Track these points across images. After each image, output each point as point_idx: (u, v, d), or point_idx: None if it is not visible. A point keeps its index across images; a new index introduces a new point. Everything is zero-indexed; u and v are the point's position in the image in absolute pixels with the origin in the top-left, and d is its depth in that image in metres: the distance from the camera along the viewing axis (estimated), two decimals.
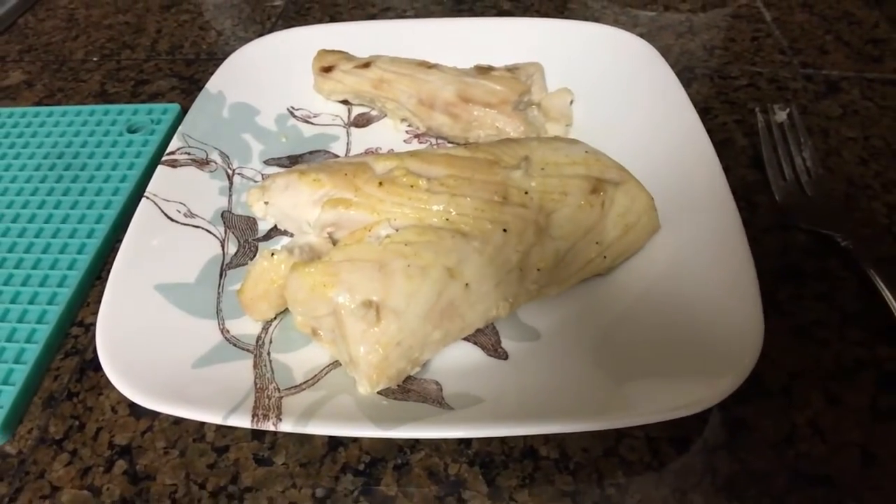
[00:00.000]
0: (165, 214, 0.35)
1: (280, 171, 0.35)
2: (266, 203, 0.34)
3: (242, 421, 0.26)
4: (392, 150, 0.41)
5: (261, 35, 0.53)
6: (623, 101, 0.41)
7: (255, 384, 0.28)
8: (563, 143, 0.35)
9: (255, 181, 0.39)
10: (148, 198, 0.35)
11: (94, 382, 0.32)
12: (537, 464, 0.28)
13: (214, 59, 0.51)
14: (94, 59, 0.52)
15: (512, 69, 0.41)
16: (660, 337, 0.29)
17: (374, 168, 0.33)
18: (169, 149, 0.38)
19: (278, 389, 0.28)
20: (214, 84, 0.42)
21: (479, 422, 0.26)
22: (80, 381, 0.32)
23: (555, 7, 0.54)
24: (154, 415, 0.30)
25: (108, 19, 0.57)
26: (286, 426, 0.26)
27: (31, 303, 0.34)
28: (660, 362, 0.28)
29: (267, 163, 0.41)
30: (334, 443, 0.29)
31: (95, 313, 0.34)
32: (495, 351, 0.31)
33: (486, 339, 0.31)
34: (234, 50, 0.45)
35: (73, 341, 0.34)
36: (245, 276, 0.31)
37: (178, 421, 0.30)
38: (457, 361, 0.30)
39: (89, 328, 0.34)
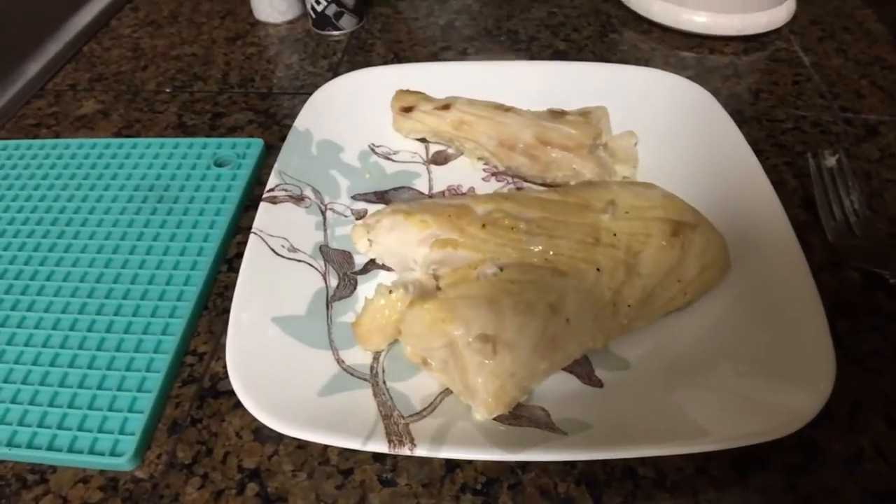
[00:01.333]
0: (272, 249, 0.38)
1: (382, 210, 0.38)
2: (370, 241, 0.37)
3: (380, 446, 0.29)
4: (472, 188, 0.45)
5: (329, 69, 0.56)
6: (683, 144, 0.44)
7: (380, 411, 0.31)
8: (641, 187, 0.39)
9: (346, 216, 0.43)
10: (256, 234, 0.38)
11: (214, 409, 0.35)
12: (637, 482, 0.31)
13: (287, 94, 0.54)
14: (167, 90, 0.54)
15: (583, 113, 0.45)
16: (739, 366, 0.33)
17: (475, 210, 0.36)
18: (268, 185, 0.41)
19: (402, 416, 0.31)
20: (302, 122, 0.45)
21: (593, 445, 0.29)
22: (200, 407, 0.35)
23: (607, 48, 0.58)
24: (278, 439, 0.33)
25: (174, 50, 0.60)
26: (421, 451, 0.29)
27: (145, 333, 0.37)
28: (742, 388, 0.32)
29: (354, 198, 0.44)
30: (451, 465, 0.32)
31: (207, 342, 0.38)
32: (590, 379, 0.34)
33: (581, 368, 0.35)
34: (304, 84, 0.48)
35: (188, 370, 0.36)
36: (362, 310, 0.34)
37: (302, 445, 0.33)
38: (557, 390, 0.33)
39: (202, 357, 0.37)
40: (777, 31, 0.58)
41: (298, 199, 0.42)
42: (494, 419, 0.31)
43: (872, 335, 0.37)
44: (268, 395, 0.31)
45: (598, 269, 0.34)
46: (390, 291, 0.33)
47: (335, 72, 0.56)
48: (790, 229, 0.37)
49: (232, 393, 0.34)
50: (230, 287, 0.40)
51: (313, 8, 0.59)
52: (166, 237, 0.42)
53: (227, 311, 0.38)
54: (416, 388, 0.33)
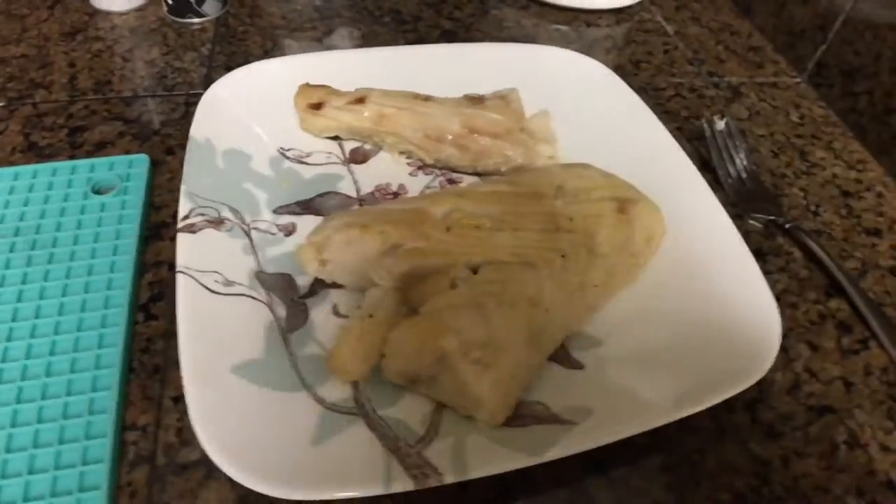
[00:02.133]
0: (206, 288, 0.33)
1: (325, 226, 0.35)
2: (323, 261, 0.34)
3: (405, 484, 0.27)
4: (402, 185, 0.42)
5: (201, 64, 0.49)
6: (593, 120, 0.46)
7: (385, 446, 0.29)
8: (579, 168, 0.40)
9: (272, 233, 0.38)
10: (184, 272, 0.33)
11: (181, 488, 0.29)
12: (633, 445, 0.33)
13: (157, 96, 0.46)
14: (1, 103, 0.44)
15: (500, 97, 0.44)
16: (698, 322, 0.35)
17: (433, 213, 0.35)
18: (181, 212, 0.35)
19: (410, 445, 0.29)
20: (199, 131, 0.39)
21: (607, 428, 0.30)
22: (163, 490, 0.29)
23: (493, 26, 0.58)
24: None
25: None
26: (450, 477, 0.27)
27: (66, 417, 0.30)
28: (706, 343, 0.34)
29: (277, 212, 0.39)
30: (462, 484, 0.31)
31: (146, 411, 0.32)
32: (570, 363, 0.35)
33: (559, 354, 0.35)
34: (176, 84, 0.41)
35: (133, 448, 0.30)
36: (338, 340, 0.31)
37: None
38: (543, 381, 0.33)
39: (145, 430, 0.31)
40: (640, 3, 0.62)
41: (218, 223, 0.36)
42: (502, 424, 0.31)
43: (781, 274, 0.42)
44: (255, 457, 0.27)
45: (563, 256, 0.35)
46: (370, 315, 0.31)
47: (209, 66, 0.49)
48: (709, 190, 0.40)
49: (198, 464, 0.30)
50: (154, 339, 0.34)
51: None
52: (56, 292, 0.34)
53: (158, 369, 0.33)
54: (409, 411, 0.31)
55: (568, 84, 0.48)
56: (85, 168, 0.40)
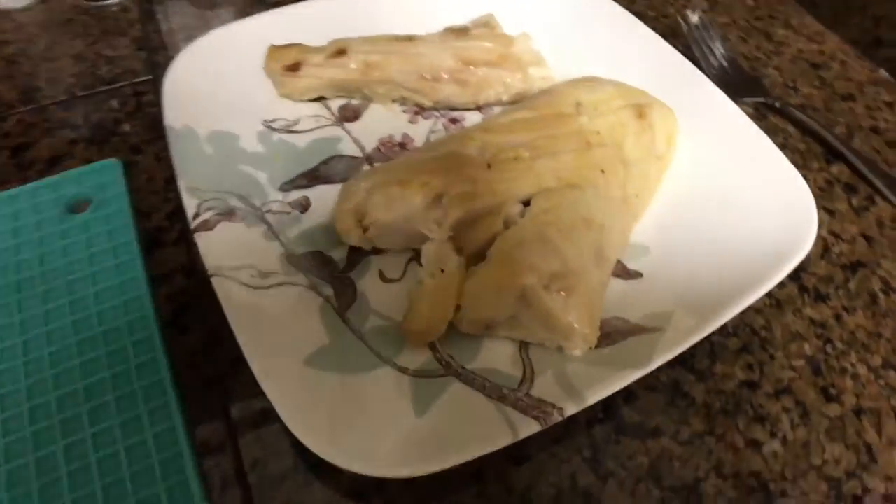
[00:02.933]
0: (246, 285, 0.30)
1: (354, 188, 0.32)
2: (364, 227, 0.32)
3: (531, 427, 0.26)
4: (405, 133, 0.40)
5: (139, 48, 0.44)
6: (576, 34, 0.45)
7: (492, 397, 0.28)
8: (589, 81, 0.39)
9: (287, 212, 0.35)
10: (217, 275, 0.30)
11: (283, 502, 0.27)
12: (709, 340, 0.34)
13: (100, 93, 0.41)
14: None
15: (482, 24, 0.42)
16: (734, 214, 0.36)
17: (468, 153, 0.33)
18: (190, 211, 0.32)
19: (514, 389, 0.29)
20: (174, 119, 0.35)
21: (696, 325, 0.30)
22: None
23: None
24: (378, 487, 0.28)
25: None
26: (571, 409, 0.27)
27: (132, 466, 0.27)
28: (750, 231, 0.35)
29: (283, 189, 0.36)
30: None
31: (217, 432, 0.29)
32: (629, 274, 0.35)
33: (616, 267, 0.35)
34: (116, 75, 0.37)
35: (217, 473, 0.28)
36: (412, 305, 0.30)
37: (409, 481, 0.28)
38: (611, 297, 0.33)
39: (223, 450, 0.28)
40: None
41: (230, 214, 0.33)
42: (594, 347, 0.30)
43: (784, 151, 0.44)
44: (367, 445, 0.26)
45: (602, 172, 0.34)
46: (441, 270, 0.29)
47: (149, 48, 0.44)
48: (710, 82, 0.41)
49: (294, 471, 0.28)
50: (195, 353, 0.31)
51: None
52: (66, 333, 0.30)
53: (212, 383, 0.30)
54: (494, 358, 0.31)
55: (538, 1, 0.46)
56: (49, 188, 0.35)
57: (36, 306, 0.31)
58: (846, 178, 0.43)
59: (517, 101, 0.42)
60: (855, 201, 0.42)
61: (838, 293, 0.37)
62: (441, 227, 0.32)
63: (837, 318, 0.36)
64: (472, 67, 0.40)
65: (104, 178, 0.36)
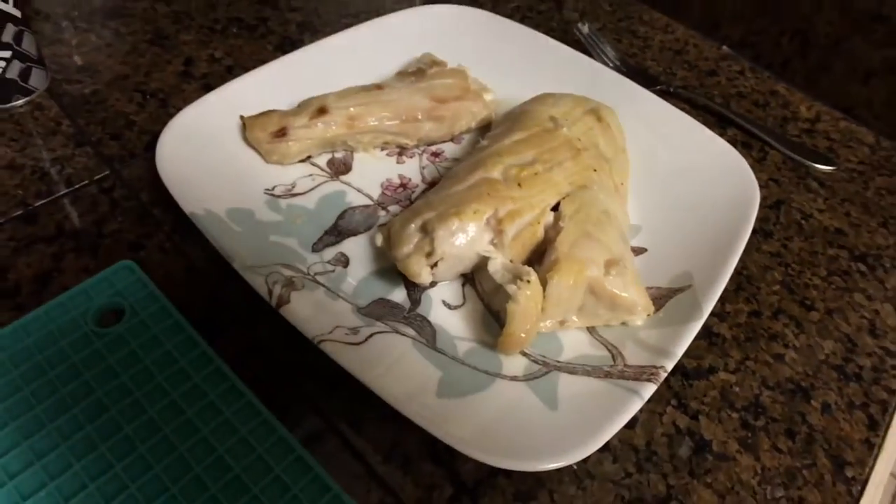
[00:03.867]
0: (349, 343, 0.31)
1: (406, 231, 0.35)
2: (436, 264, 0.35)
3: (650, 389, 0.31)
4: (401, 174, 0.43)
5: (81, 143, 0.41)
6: (504, 59, 0.52)
7: (601, 377, 0.33)
8: (548, 98, 0.46)
9: (332, 271, 0.37)
10: (324, 340, 0.30)
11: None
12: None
13: (64, 196, 0.38)
14: None
15: (431, 63, 0.47)
16: (695, 181, 0.45)
17: (494, 177, 0.37)
18: (262, 289, 0.32)
19: (611, 367, 0.33)
20: (193, 206, 0.34)
21: (716, 275, 0.37)
22: None
23: (336, 4, 0.58)
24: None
25: None
26: (669, 364, 0.32)
27: None
28: (713, 188, 0.44)
29: (315, 250, 0.37)
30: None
31: (372, 490, 0.30)
32: (636, 250, 0.42)
33: None
34: (71, 175, 0.35)
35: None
36: (511, 317, 0.33)
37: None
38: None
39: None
40: None
41: (292, 285, 0.34)
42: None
43: None
44: (533, 449, 0.29)
45: (595, 171, 0.41)
46: (528, 281, 0.33)
47: (90, 142, 0.41)
48: (629, 81, 0.50)
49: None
50: (303, 423, 0.31)
51: None
52: (182, 469, 0.29)
53: (344, 447, 0.31)
54: (574, 346, 0.35)
55: (462, 35, 0.52)
56: (69, 303, 0.32)
57: (144, 440, 0.29)
58: (741, 138, 0.55)
59: (483, 126, 0.47)
60: (754, 154, 0.54)
61: (776, 228, 0.48)
62: (501, 246, 0.36)
63: (784, 246, 0.47)
64: (443, 104, 0.44)
65: (124, 279, 0.34)
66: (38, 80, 0.43)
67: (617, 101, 0.48)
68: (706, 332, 0.40)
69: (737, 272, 0.44)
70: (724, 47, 0.65)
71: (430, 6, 0.53)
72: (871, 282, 0.46)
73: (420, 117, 0.43)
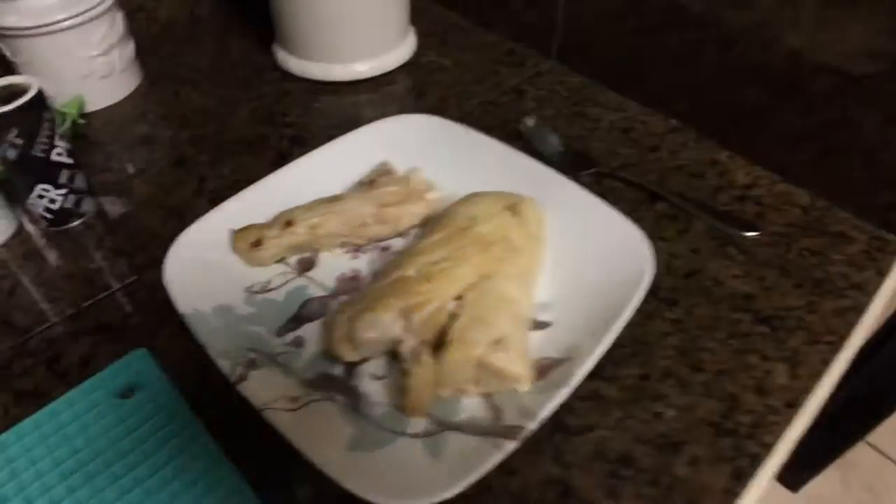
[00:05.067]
0: (288, 409, 0.44)
1: (338, 320, 0.48)
2: (356, 346, 0.47)
3: (510, 446, 0.42)
4: (354, 269, 0.56)
5: (118, 254, 0.57)
6: (452, 161, 0.64)
7: (479, 434, 0.44)
8: (473, 198, 0.57)
9: (289, 352, 0.50)
10: (266, 409, 0.43)
11: None
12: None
13: (102, 299, 0.54)
14: None
15: (382, 173, 0.60)
16: (601, 260, 0.55)
17: (409, 275, 0.49)
18: (226, 369, 0.45)
19: (491, 425, 0.44)
20: (184, 306, 0.49)
21: (593, 347, 0.47)
22: None
23: (322, 116, 0.73)
24: None
25: None
26: (532, 426, 0.43)
27: None
28: (615, 263, 0.54)
29: (279, 335, 0.51)
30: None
31: None
32: (542, 325, 0.52)
33: (533, 322, 0.52)
34: (105, 281, 0.50)
35: None
36: (406, 392, 0.45)
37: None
38: (536, 342, 0.50)
39: None
40: (418, 50, 0.82)
41: (253, 365, 0.47)
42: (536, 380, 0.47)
43: (621, 203, 0.64)
44: (417, 488, 0.40)
45: (500, 260, 0.52)
46: (421, 361, 0.45)
47: (125, 253, 0.57)
48: (555, 172, 0.61)
49: None
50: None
51: (48, 209, 0.57)
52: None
53: None
54: (471, 409, 0.46)
55: (420, 140, 0.65)
56: (97, 385, 0.47)
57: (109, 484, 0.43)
58: (668, 212, 0.64)
59: (426, 222, 0.59)
60: (679, 226, 0.63)
61: (684, 295, 0.57)
62: (410, 332, 0.48)
63: (689, 313, 0.55)
64: (387, 209, 0.57)
65: (140, 366, 0.48)
66: (88, 205, 0.60)
67: (543, 192, 0.59)
68: (594, 394, 0.49)
69: (636, 339, 0.53)
70: (673, 121, 0.74)
71: (393, 117, 0.66)
72: (769, 343, 0.53)
73: (368, 222, 0.56)
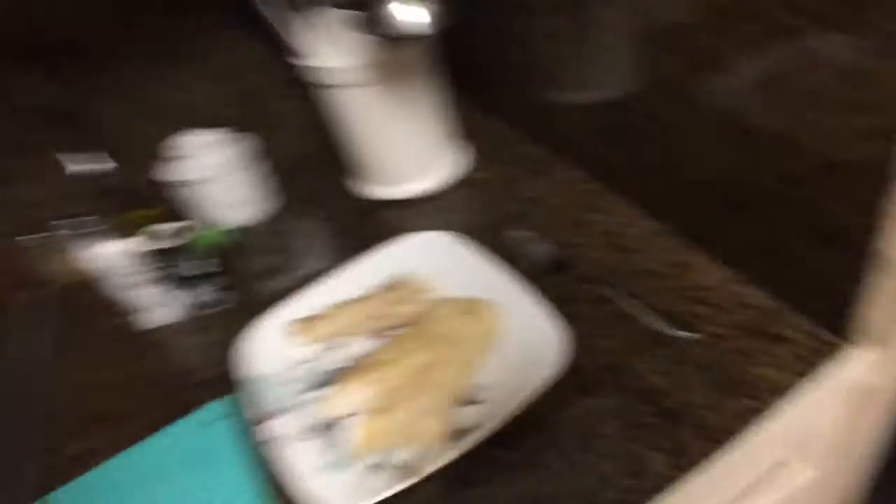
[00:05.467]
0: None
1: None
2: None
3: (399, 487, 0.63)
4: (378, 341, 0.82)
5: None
6: (447, 270, 0.85)
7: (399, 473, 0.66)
8: (441, 302, 0.79)
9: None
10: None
11: None
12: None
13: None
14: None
15: (394, 287, 0.84)
16: (532, 351, 0.72)
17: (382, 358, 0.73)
18: (265, 430, 0.74)
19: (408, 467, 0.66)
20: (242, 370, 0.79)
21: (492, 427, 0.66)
22: None
23: (380, 229, 1.00)
24: None
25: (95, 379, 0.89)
26: (430, 469, 0.63)
27: None
28: (541, 355, 0.71)
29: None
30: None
31: None
32: (475, 401, 0.71)
33: (468, 398, 0.72)
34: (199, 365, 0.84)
35: None
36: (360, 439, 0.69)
37: None
38: (469, 418, 0.70)
39: None
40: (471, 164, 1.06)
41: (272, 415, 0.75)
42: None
43: (581, 305, 0.79)
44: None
45: (447, 352, 0.73)
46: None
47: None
48: (507, 280, 0.79)
49: None
50: None
51: (203, 301, 0.93)
52: None
53: None
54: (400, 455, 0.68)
55: (432, 253, 0.88)
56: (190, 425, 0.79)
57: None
58: (617, 313, 0.77)
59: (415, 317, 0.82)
60: (626, 324, 0.75)
61: (601, 385, 0.70)
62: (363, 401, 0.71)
63: (600, 402, 0.69)
64: (390, 306, 0.81)
65: (215, 407, 0.80)
66: (229, 297, 0.95)
67: (503, 296, 0.78)
68: (489, 457, 0.67)
69: (543, 418, 0.69)
70: (660, 224, 0.85)
71: (414, 234, 0.90)
72: (664, 432, 0.65)
73: (376, 316, 0.81)
